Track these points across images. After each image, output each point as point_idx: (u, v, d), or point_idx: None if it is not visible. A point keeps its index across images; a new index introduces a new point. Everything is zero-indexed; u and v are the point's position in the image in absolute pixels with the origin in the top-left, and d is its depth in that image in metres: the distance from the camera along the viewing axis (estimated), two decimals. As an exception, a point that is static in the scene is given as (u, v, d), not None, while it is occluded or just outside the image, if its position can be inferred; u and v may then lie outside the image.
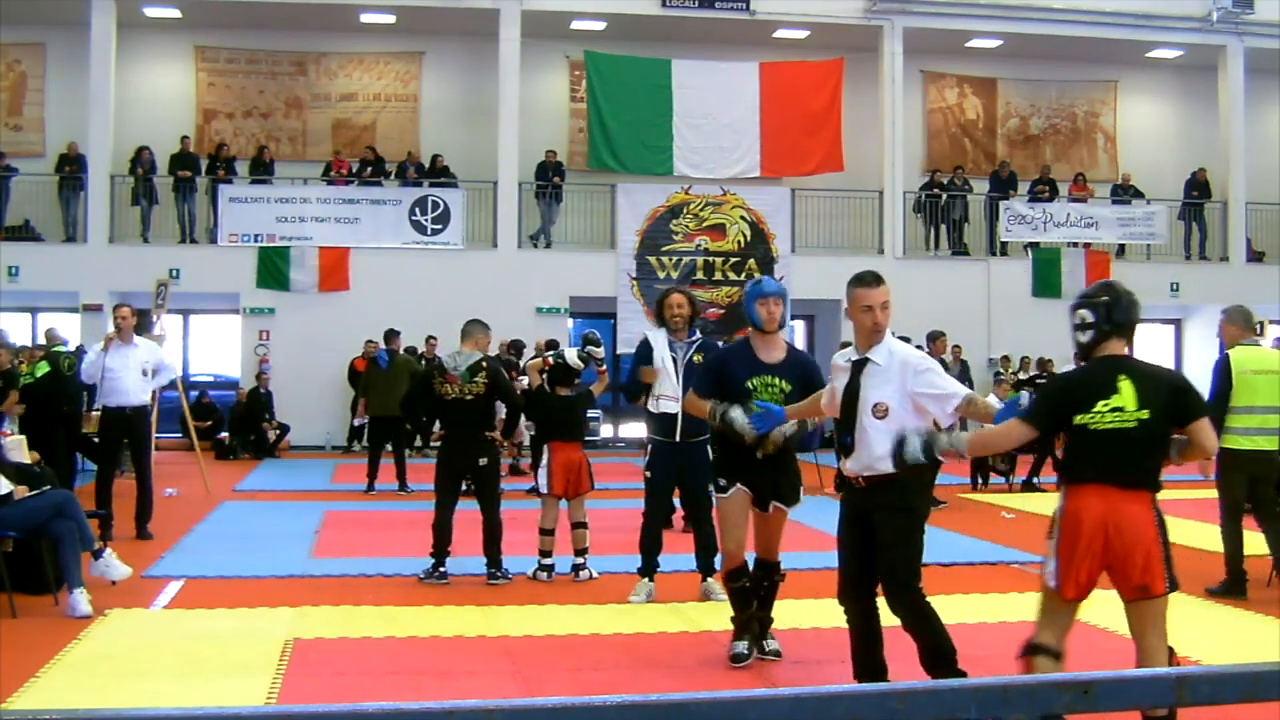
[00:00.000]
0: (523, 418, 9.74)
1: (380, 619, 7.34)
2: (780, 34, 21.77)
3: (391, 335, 15.38)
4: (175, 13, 20.66)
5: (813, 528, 10.00)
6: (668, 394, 7.78)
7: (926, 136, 23.38)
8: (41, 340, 16.60)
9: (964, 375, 17.27)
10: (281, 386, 19.39)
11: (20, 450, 9.43)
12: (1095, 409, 4.51)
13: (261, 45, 21.59)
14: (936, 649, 5.17)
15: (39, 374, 12.49)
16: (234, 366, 20.51)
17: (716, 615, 6.97)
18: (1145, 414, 4.49)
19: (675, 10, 20.79)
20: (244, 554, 9.71)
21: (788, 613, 6.80)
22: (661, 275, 20.49)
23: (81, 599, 7.23)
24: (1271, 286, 20.86)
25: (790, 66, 21.43)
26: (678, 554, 8.55)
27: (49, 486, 8.15)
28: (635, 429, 19.16)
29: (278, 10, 20.56)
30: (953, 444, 4.87)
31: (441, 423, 8.98)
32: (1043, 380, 15.79)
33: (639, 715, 2.12)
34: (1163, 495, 4.57)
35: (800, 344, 22.85)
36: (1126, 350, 4.70)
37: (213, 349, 21.65)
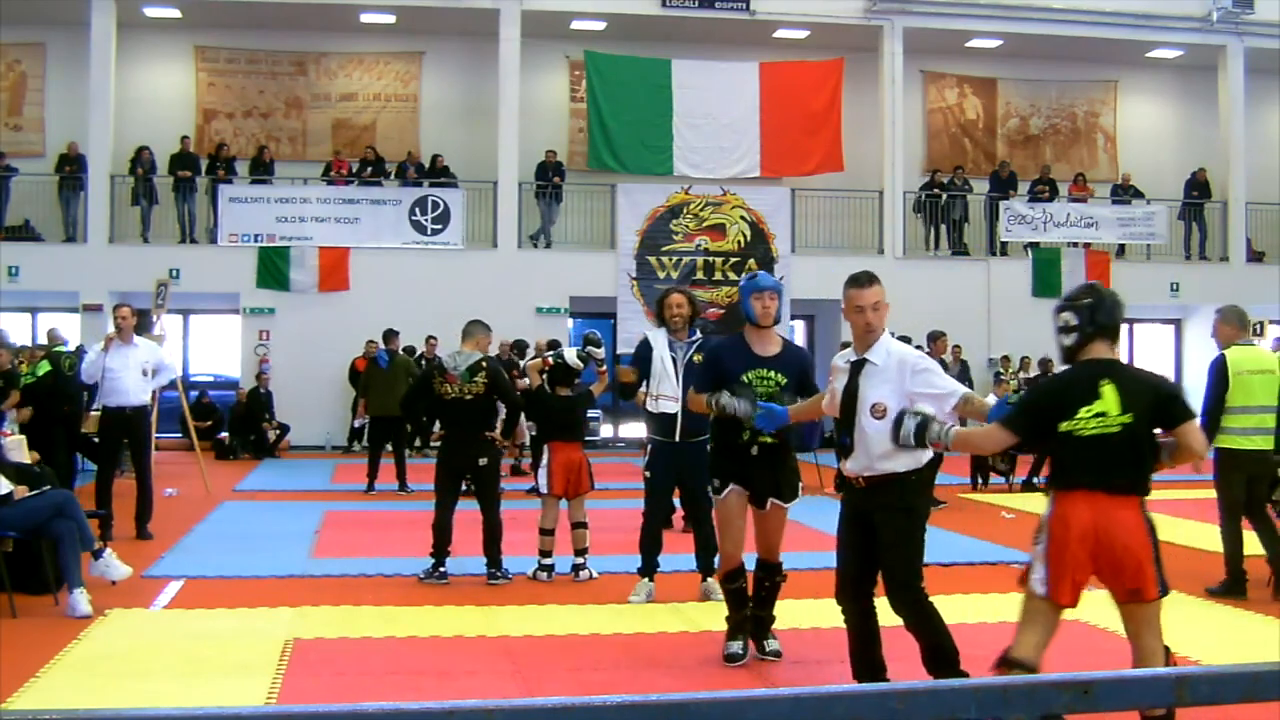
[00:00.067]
0: (524, 418, 9.74)
1: (380, 619, 7.34)
2: (780, 34, 21.78)
3: (390, 335, 15.38)
4: (175, 13, 20.66)
5: (813, 528, 10.01)
6: (667, 394, 7.77)
7: (926, 136, 23.38)
8: (42, 340, 16.62)
9: (964, 375, 17.25)
10: (281, 386, 19.39)
11: (20, 450, 9.43)
12: (1078, 416, 4.47)
13: (261, 45, 21.59)
14: (938, 649, 5.17)
15: (40, 373, 12.50)
16: (234, 366, 20.50)
17: (716, 615, 6.97)
18: (1128, 418, 4.45)
19: (675, 10, 20.79)
20: (244, 554, 9.71)
21: (788, 613, 6.80)
22: (661, 275, 20.49)
23: (81, 599, 7.23)
24: (1271, 286, 20.87)
25: (790, 66, 21.43)
26: (678, 554, 8.55)
27: (49, 486, 8.15)
28: (635, 429, 19.16)
29: (278, 10, 20.56)
30: (941, 436, 4.90)
31: (441, 423, 8.98)
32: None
33: (639, 715, 2.12)
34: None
35: (800, 344, 22.89)
36: (1112, 352, 4.67)
37: (213, 349, 21.64)
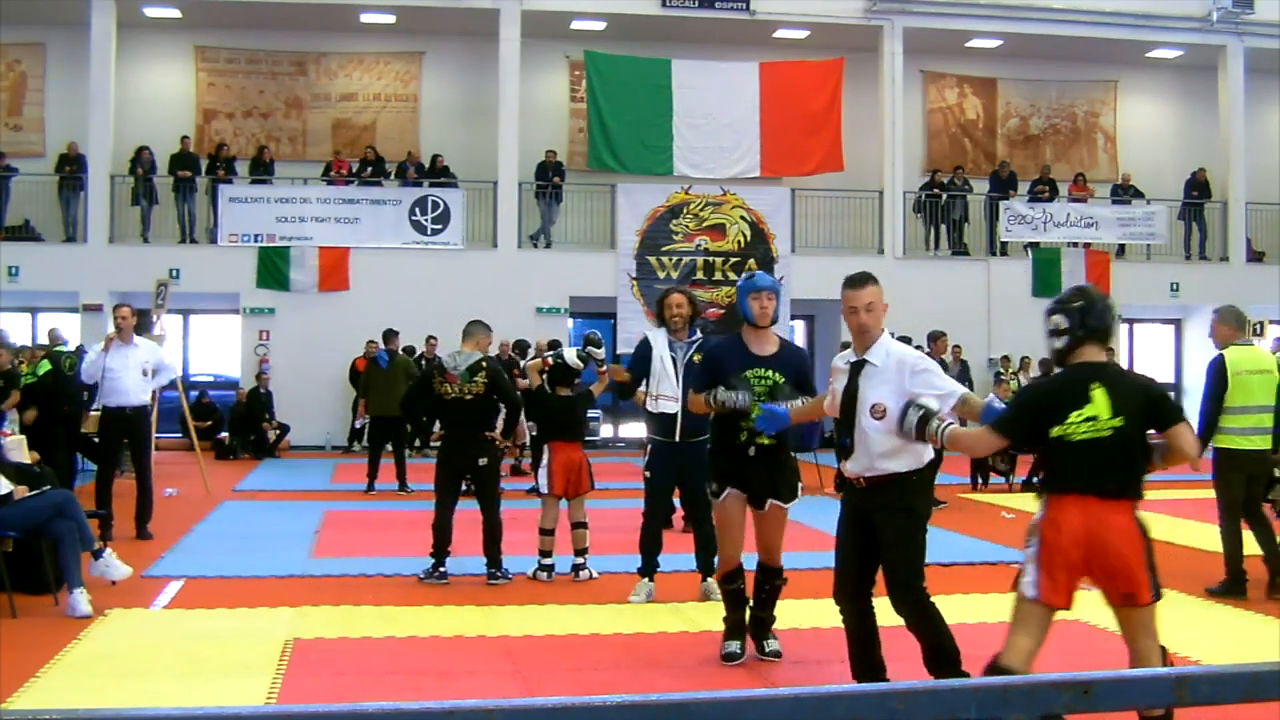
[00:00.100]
0: (525, 418, 9.74)
1: (380, 619, 7.34)
2: (780, 34, 21.77)
3: (390, 335, 15.39)
4: (175, 13, 20.66)
5: (813, 528, 10.01)
6: (667, 394, 7.77)
7: (926, 136, 23.38)
8: (42, 340, 16.63)
9: (964, 375, 17.25)
10: (281, 386, 19.39)
11: (20, 450, 9.44)
12: (1069, 420, 4.45)
13: (261, 45, 21.59)
14: (940, 649, 5.17)
15: (41, 372, 12.50)
16: (234, 366, 20.50)
17: (716, 615, 6.96)
18: (1119, 421, 4.44)
19: (675, 10, 20.79)
20: (244, 554, 9.71)
21: (788, 613, 6.80)
22: (661, 275, 20.49)
23: (81, 599, 7.23)
24: (1271, 286, 20.88)
25: (790, 66, 21.43)
26: (678, 554, 8.55)
27: (49, 486, 8.15)
28: (635, 429, 19.16)
29: (278, 10, 20.56)
30: (939, 432, 4.91)
31: (441, 423, 8.98)
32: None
33: (639, 715, 2.12)
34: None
35: (800, 344, 22.89)
36: (1102, 356, 4.65)
37: (213, 349, 21.63)
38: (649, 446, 8.26)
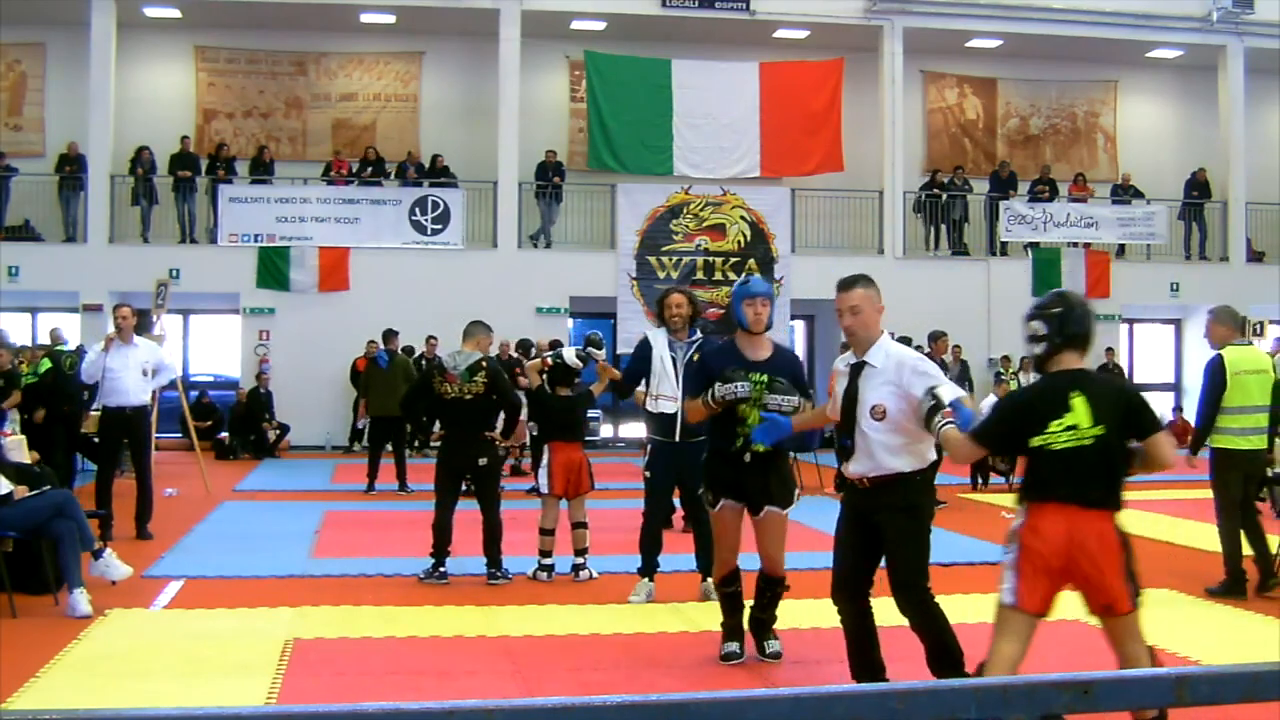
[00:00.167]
0: (525, 417, 9.74)
1: (380, 619, 7.34)
2: (780, 34, 21.77)
3: (390, 335, 15.39)
4: (175, 13, 20.66)
5: (813, 528, 10.00)
6: (666, 394, 7.77)
7: (926, 136, 23.38)
8: (43, 340, 16.64)
9: (964, 375, 17.27)
10: (281, 386, 19.40)
11: (20, 450, 9.45)
12: (1049, 429, 4.43)
13: (261, 45, 21.59)
14: (943, 649, 5.17)
15: (41, 370, 12.51)
16: (234, 366, 20.50)
17: (717, 615, 6.95)
18: (1100, 430, 4.42)
19: (675, 10, 20.79)
20: (244, 554, 9.71)
21: (788, 613, 6.79)
22: (661, 275, 20.49)
23: (81, 599, 7.23)
24: (1271, 286, 20.88)
25: (790, 66, 21.43)
26: (678, 554, 8.55)
27: (49, 486, 8.15)
28: (635, 429, 19.16)
29: (278, 10, 20.56)
30: (936, 429, 4.93)
31: (441, 423, 8.97)
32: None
33: (639, 715, 2.12)
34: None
35: (800, 344, 22.91)
36: (1082, 362, 4.61)
37: (213, 349, 21.64)
38: (649, 446, 8.26)
